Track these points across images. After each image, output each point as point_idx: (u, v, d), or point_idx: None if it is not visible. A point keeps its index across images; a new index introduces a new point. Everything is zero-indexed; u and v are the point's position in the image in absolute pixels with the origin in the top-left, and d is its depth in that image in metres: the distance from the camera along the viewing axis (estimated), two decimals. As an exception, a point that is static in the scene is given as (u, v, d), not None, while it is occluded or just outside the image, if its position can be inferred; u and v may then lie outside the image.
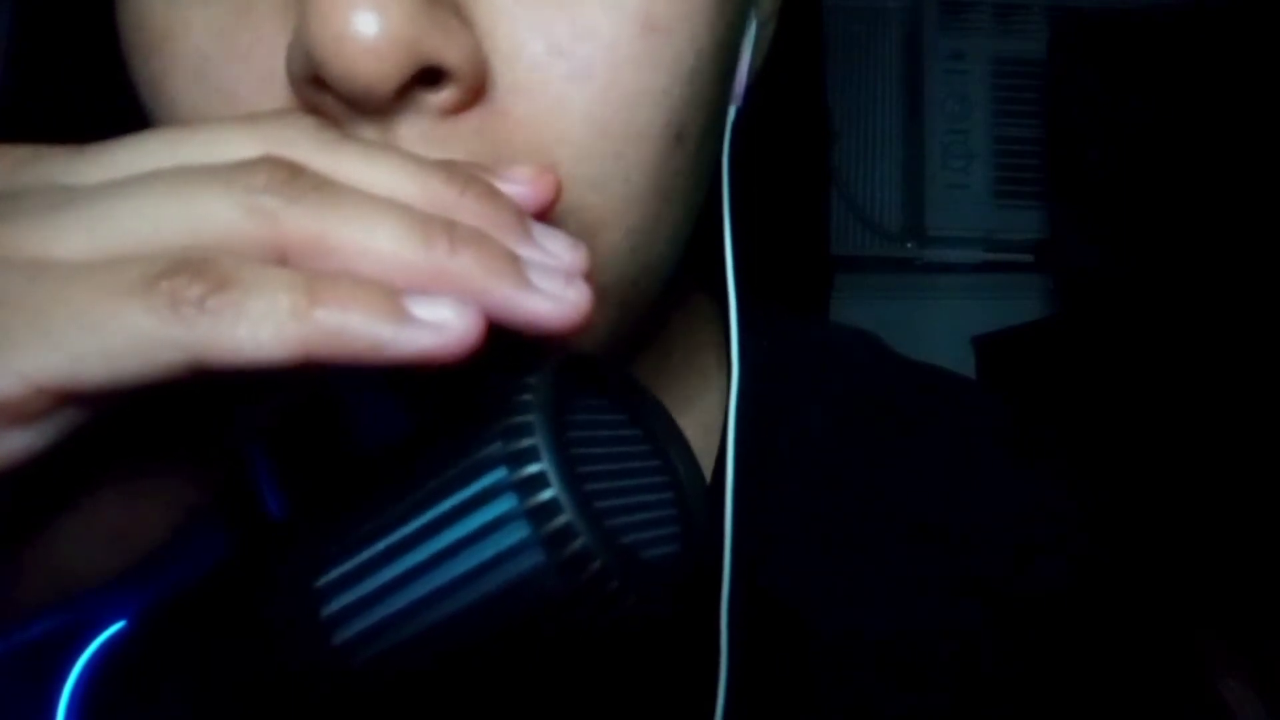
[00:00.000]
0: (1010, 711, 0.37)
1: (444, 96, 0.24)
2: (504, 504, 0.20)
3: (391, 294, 0.18)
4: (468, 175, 0.21)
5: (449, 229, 0.19)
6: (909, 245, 1.52)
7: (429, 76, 0.23)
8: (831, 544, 0.38)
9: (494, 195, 0.21)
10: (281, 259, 0.19)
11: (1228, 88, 1.19)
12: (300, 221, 0.19)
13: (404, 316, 0.18)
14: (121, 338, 0.17)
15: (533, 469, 0.20)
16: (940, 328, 1.42)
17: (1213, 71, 1.21)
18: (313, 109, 0.24)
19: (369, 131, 0.24)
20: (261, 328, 0.18)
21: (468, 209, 0.20)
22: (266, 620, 0.22)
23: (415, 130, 0.24)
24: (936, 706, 0.36)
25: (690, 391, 0.38)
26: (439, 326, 0.18)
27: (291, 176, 0.19)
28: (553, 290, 0.20)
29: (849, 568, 0.37)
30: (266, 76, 0.25)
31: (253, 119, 0.21)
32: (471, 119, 0.25)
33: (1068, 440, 0.44)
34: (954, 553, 0.38)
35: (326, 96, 0.23)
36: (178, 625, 0.24)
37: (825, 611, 0.36)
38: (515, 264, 0.20)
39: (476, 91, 0.24)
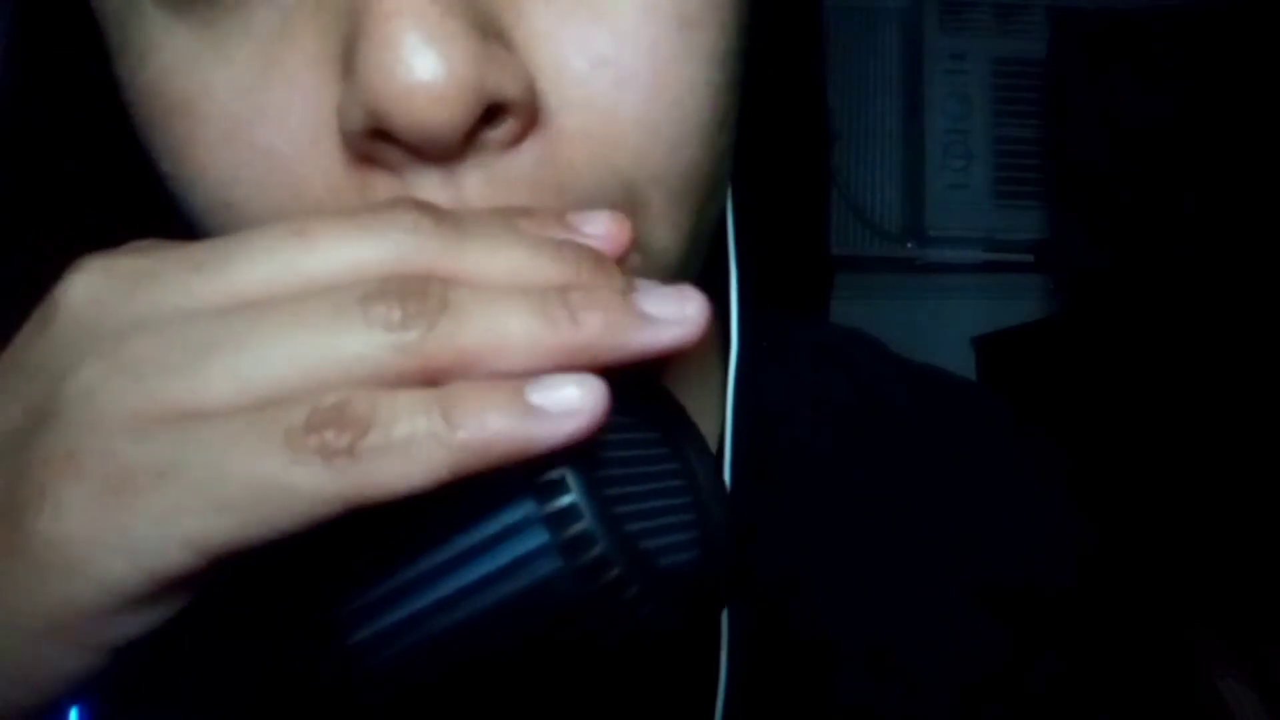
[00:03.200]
0: (1012, 711, 0.37)
1: (505, 130, 0.24)
2: (522, 510, 0.20)
3: (518, 392, 0.19)
4: (577, 248, 0.21)
5: (565, 301, 0.20)
6: (909, 245, 1.52)
7: (489, 113, 0.23)
8: (832, 546, 0.38)
9: (602, 262, 0.22)
10: (427, 383, 0.19)
11: (1228, 87, 1.19)
12: (440, 345, 0.19)
13: (536, 413, 0.19)
14: (284, 499, 0.18)
15: (551, 475, 0.20)
16: (940, 328, 1.42)
17: (1213, 71, 1.21)
18: (367, 160, 0.24)
19: (433, 178, 0.24)
20: (411, 466, 0.18)
21: (583, 281, 0.21)
22: (280, 620, 0.22)
23: (480, 173, 0.24)
24: (937, 706, 0.36)
25: (692, 394, 0.38)
26: (571, 412, 0.19)
27: (422, 306, 0.19)
28: (672, 314, 0.21)
29: (850, 569, 0.37)
30: (308, 132, 0.24)
31: (366, 219, 0.20)
32: (531, 148, 0.24)
33: (1068, 440, 0.44)
34: (954, 554, 0.38)
35: (385, 147, 0.23)
36: (191, 623, 0.24)
37: (826, 613, 0.36)
38: (631, 306, 0.20)
39: (532, 119, 0.24)
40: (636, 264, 0.26)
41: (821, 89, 1.31)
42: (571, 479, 0.20)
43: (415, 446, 0.18)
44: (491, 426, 0.18)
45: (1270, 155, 1.14)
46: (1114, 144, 1.28)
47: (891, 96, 1.53)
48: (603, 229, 0.23)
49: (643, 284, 0.21)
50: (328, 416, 0.18)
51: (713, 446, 0.37)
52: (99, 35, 0.28)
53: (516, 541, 0.20)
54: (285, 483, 0.18)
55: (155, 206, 0.27)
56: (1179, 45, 1.23)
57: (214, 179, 0.25)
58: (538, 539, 0.20)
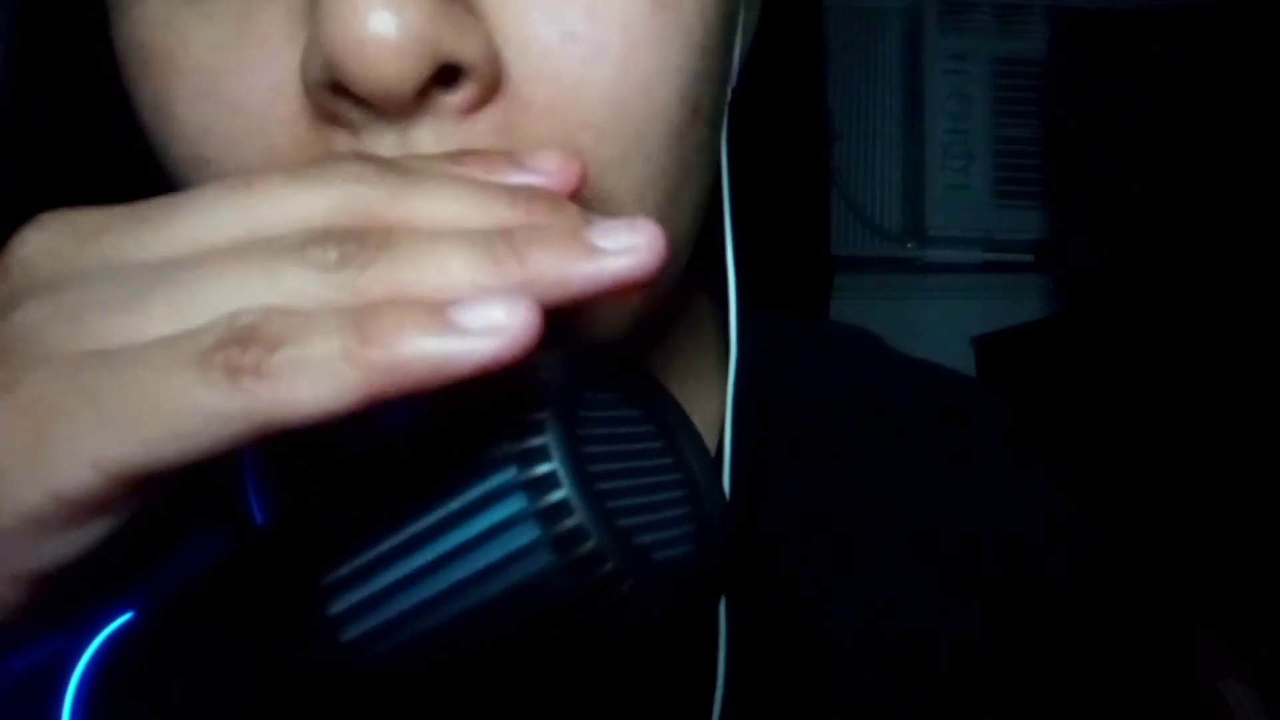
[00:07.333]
0: (1012, 712, 0.37)
1: (461, 96, 0.24)
2: (514, 504, 0.20)
3: (437, 309, 0.18)
4: (529, 191, 0.21)
5: (509, 238, 0.19)
6: (909, 245, 1.52)
7: (446, 76, 0.23)
8: (832, 543, 0.38)
9: (556, 203, 0.21)
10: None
11: (1228, 87, 1.20)
12: (375, 283, 0.19)
13: (455, 330, 0.18)
14: (189, 417, 0.18)
15: (543, 469, 0.20)
16: (940, 328, 1.42)
17: (1213, 71, 1.21)
18: (330, 116, 0.24)
19: (389, 136, 0.24)
20: (320, 384, 0.17)
21: (535, 223, 0.20)
22: (274, 615, 0.22)
23: (434, 134, 0.24)
24: (937, 707, 0.36)
25: (690, 392, 0.38)
26: (495, 329, 0.18)
27: (361, 247, 0.19)
28: (622, 244, 0.20)
29: (849, 567, 0.37)
30: (277, 87, 0.24)
31: (312, 171, 0.20)
32: (489, 116, 0.24)
33: (1068, 440, 0.44)
34: (955, 552, 0.38)
35: (344, 103, 0.23)
36: (186, 618, 0.24)
37: (825, 611, 0.36)
38: (578, 239, 0.20)
39: (493, 87, 0.24)
40: None
41: (821, 89, 1.31)
42: (563, 473, 0.20)
43: (325, 364, 0.17)
44: (407, 344, 0.18)
45: (1270, 155, 1.14)
46: (1114, 144, 1.28)
47: (891, 96, 1.53)
48: (552, 166, 0.23)
49: (598, 220, 0.21)
50: (238, 334, 0.18)
51: (713, 444, 0.37)
52: (97, 22, 0.28)
53: (507, 537, 0.20)
54: (190, 401, 0.17)
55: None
56: (1179, 45, 1.23)
57: (190, 133, 0.26)
58: (529, 534, 0.20)
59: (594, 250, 0.20)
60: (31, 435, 0.18)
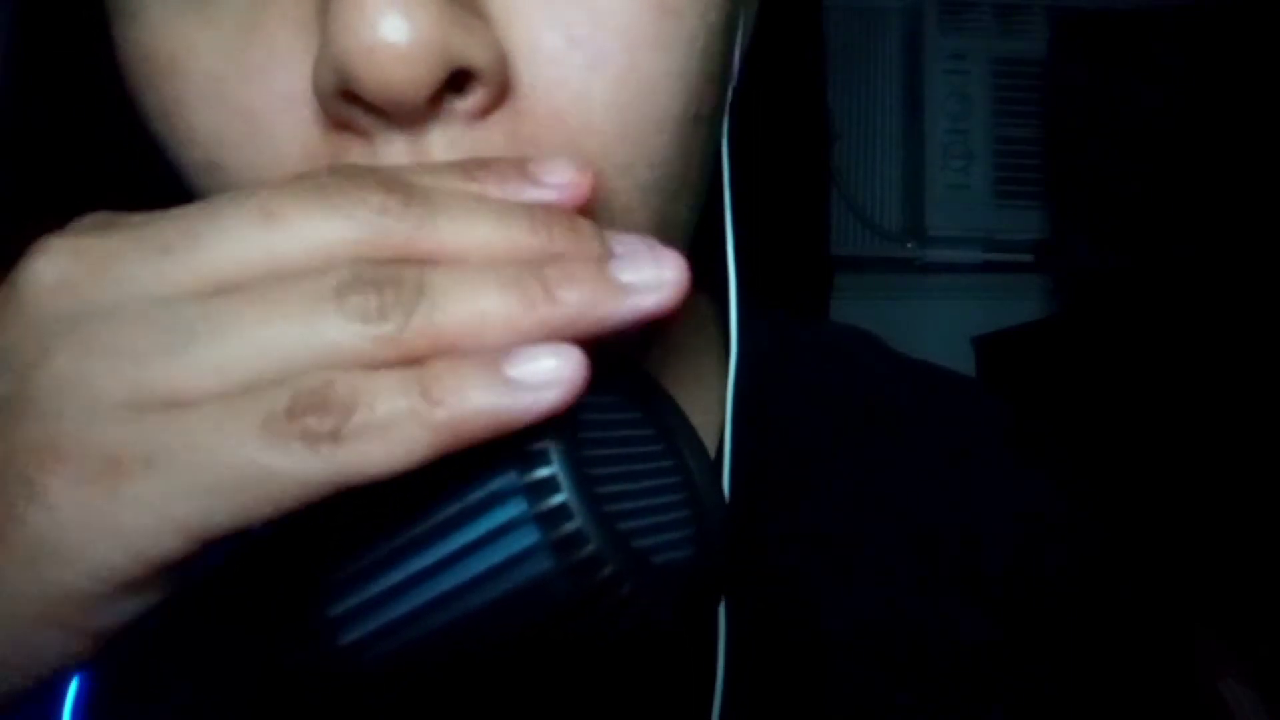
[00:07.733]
0: (1011, 711, 0.37)
1: (472, 101, 0.24)
2: (514, 508, 0.20)
3: (492, 364, 0.19)
4: (548, 213, 0.21)
5: (541, 277, 0.20)
6: (909, 245, 1.52)
7: (456, 81, 0.23)
8: (831, 543, 0.38)
9: (575, 225, 0.21)
10: (407, 365, 0.19)
11: (1228, 87, 1.20)
12: (419, 333, 0.19)
13: (513, 384, 0.19)
14: (273, 484, 0.18)
15: (543, 472, 0.20)
16: (940, 328, 1.42)
17: (1213, 71, 1.21)
18: (342, 123, 0.24)
19: (401, 143, 0.24)
20: (394, 446, 0.18)
21: (557, 249, 0.21)
22: (274, 615, 0.22)
23: (446, 139, 0.24)
24: (936, 707, 0.36)
25: (690, 392, 0.38)
26: (550, 384, 0.19)
27: (399, 294, 0.19)
28: (648, 279, 0.20)
29: (849, 567, 0.37)
30: (286, 93, 0.24)
31: (333, 198, 0.20)
32: (499, 122, 0.24)
33: (1068, 440, 0.44)
34: (955, 552, 0.38)
35: (356, 110, 0.23)
36: (186, 618, 0.24)
37: (825, 611, 0.36)
38: (606, 276, 0.20)
39: (503, 92, 0.24)
40: None
41: (821, 89, 1.32)
42: (563, 477, 0.20)
43: (397, 427, 0.18)
44: (471, 403, 0.18)
45: (1270, 155, 1.14)
46: (1114, 144, 1.28)
47: (891, 96, 1.53)
48: (565, 178, 0.23)
49: (619, 246, 0.21)
50: (311, 401, 0.18)
51: (713, 445, 0.37)
52: (97, 22, 0.28)
53: (507, 540, 0.20)
54: (274, 468, 0.18)
55: (155, 204, 0.28)
56: (1179, 45, 1.23)
57: (201, 140, 0.26)
58: (530, 537, 0.20)
59: (622, 289, 0.20)
60: (103, 493, 0.18)
